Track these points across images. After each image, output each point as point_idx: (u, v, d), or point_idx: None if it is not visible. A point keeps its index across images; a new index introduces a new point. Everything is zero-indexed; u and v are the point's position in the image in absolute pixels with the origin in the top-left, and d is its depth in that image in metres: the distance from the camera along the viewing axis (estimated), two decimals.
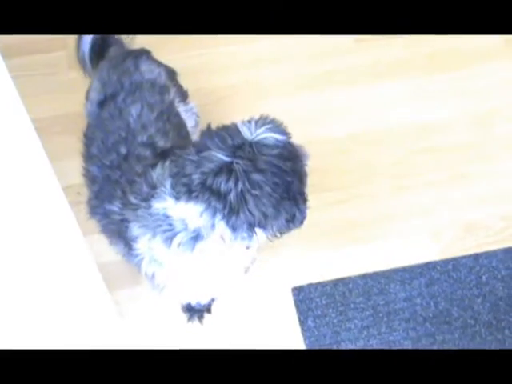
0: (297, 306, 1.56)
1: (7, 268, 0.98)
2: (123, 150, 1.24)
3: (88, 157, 1.30)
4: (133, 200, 1.15)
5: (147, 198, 1.12)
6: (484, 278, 1.63)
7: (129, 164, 1.22)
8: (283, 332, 1.54)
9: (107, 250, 1.48)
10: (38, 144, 0.84)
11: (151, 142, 1.25)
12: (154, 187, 1.12)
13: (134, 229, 1.12)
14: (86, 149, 1.32)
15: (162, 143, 1.26)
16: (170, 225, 1.06)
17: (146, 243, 1.11)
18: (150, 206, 1.10)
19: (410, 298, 1.60)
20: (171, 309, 1.56)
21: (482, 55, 2.00)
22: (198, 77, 1.63)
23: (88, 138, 1.32)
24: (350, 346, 1.52)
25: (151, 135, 1.26)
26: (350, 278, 1.62)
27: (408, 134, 1.86)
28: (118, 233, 1.19)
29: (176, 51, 1.77)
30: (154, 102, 1.32)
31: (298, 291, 1.58)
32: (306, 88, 1.92)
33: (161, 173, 1.15)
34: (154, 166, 1.18)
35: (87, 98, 1.40)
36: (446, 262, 1.66)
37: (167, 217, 1.06)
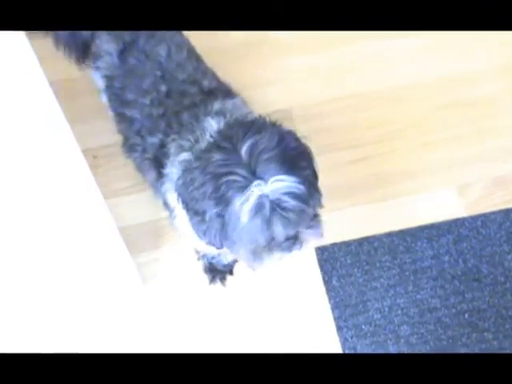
0: (321, 266, 1.60)
1: (29, 233, 1.03)
2: (163, 88, 1.29)
3: (123, 104, 1.35)
4: (184, 118, 1.22)
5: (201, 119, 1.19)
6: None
7: (173, 99, 1.27)
8: (307, 292, 1.59)
9: (124, 215, 1.54)
10: (57, 107, 0.88)
11: (194, 79, 1.30)
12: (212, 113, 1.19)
13: (173, 145, 1.19)
14: (117, 98, 1.36)
15: (206, 83, 1.31)
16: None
17: (178, 159, 1.17)
18: (201, 121, 1.17)
19: (438, 256, 1.63)
20: (192, 271, 1.61)
21: None
22: (212, 35, 1.63)
23: (118, 89, 1.36)
24: (376, 306, 1.56)
25: (191, 74, 1.31)
26: (375, 236, 1.65)
27: (431, 89, 1.86)
28: (154, 160, 1.25)
29: None
30: (180, 41, 1.37)
31: (321, 251, 1.62)
32: (323, 46, 1.92)
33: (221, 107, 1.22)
34: (210, 99, 1.25)
35: (96, 56, 1.42)
36: (474, 218, 1.69)
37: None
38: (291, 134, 1.11)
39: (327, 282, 1.59)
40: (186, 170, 1.12)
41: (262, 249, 1.10)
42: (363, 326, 1.55)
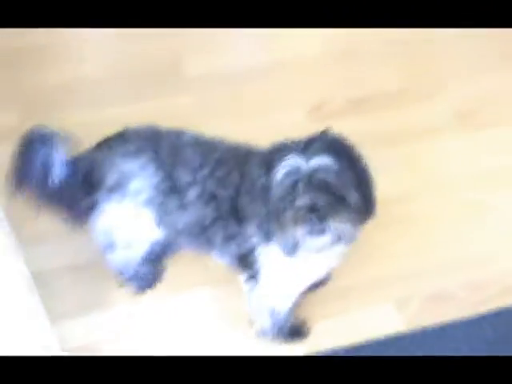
0: None
1: None
2: (216, 155, 1.46)
3: (182, 190, 1.46)
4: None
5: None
6: (451, 347, 1.72)
7: (232, 159, 1.45)
8: None
9: (66, 337, 1.55)
10: (7, 229, 0.93)
11: (233, 147, 1.50)
12: None
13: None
14: (172, 192, 1.46)
15: (240, 143, 1.51)
16: None
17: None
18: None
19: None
20: None
21: (433, 131, 2.21)
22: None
23: (169, 186, 1.46)
24: None
25: (225, 141, 1.51)
26: (320, 352, 1.68)
27: None
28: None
29: None
30: (192, 132, 1.54)
31: None
32: None
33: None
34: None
35: (122, 183, 1.47)
36: (414, 332, 1.74)
37: None
38: (343, 139, 1.34)
39: None
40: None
41: (289, 219, 1.23)
42: None
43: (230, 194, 1.41)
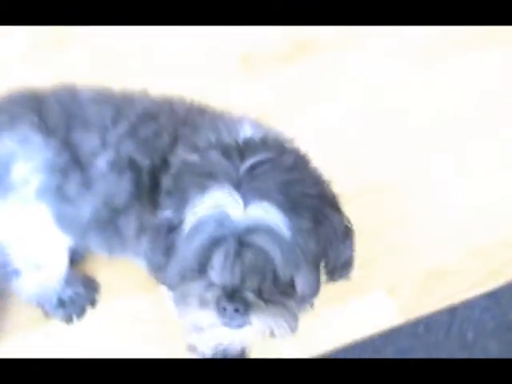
0: None
1: None
2: (137, 123, 1.06)
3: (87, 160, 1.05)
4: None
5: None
6: (470, 335, 1.40)
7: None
8: None
9: None
10: None
11: (168, 101, 1.13)
12: None
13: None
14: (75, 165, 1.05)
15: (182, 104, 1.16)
16: None
17: None
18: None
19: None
20: None
21: None
22: None
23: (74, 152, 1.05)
24: None
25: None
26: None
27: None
28: None
29: None
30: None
31: None
32: None
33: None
34: None
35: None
36: (414, 324, 1.40)
37: None
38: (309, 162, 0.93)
39: None
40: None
41: (194, 298, 0.84)
42: None
43: (155, 163, 1.02)
